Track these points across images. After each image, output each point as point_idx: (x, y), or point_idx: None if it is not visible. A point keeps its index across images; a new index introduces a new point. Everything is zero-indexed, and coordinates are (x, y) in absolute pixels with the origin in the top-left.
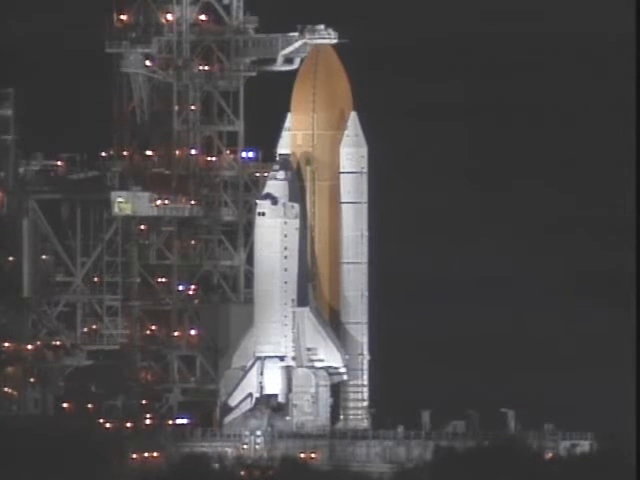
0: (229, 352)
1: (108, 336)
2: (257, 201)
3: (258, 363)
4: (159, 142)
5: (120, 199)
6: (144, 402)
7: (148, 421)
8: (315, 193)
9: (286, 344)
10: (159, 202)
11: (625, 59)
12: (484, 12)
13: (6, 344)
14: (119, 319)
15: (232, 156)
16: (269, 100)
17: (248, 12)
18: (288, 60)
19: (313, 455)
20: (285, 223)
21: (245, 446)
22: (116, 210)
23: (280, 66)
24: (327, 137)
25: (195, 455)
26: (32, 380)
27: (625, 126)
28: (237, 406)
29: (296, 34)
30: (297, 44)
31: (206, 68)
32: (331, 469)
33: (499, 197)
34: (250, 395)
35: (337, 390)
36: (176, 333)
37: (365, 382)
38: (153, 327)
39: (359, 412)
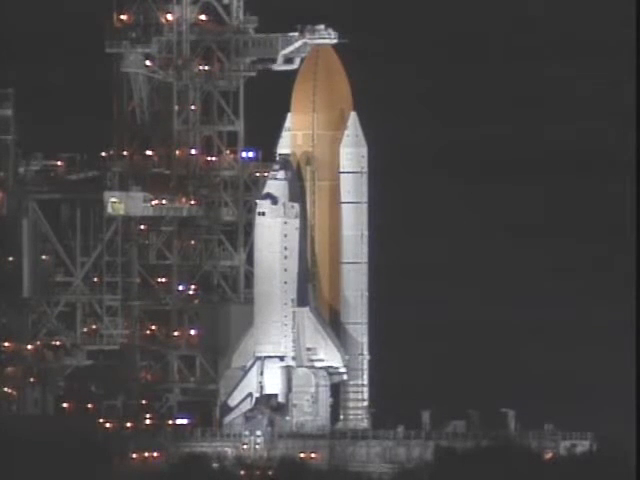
0: (229, 352)
1: (108, 336)
2: (257, 201)
3: (258, 363)
4: (159, 142)
5: (113, 199)
6: (144, 402)
7: (148, 421)
8: (315, 193)
9: (286, 344)
10: (155, 202)
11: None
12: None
13: (6, 344)
14: (119, 319)
15: (232, 156)
16: (269, 100)
17: (248, 12)
18: (288, 60)
19: (313, 455)
20: (285, 223)
21: (245, 446)
22: (109, 210)
23: (280, 66)
24: (327, 137)
25: (195, 455)
26: (32, 380)
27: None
28: (237, 406)
29: (296, 34)
30: (297, 44)
31: (206, 68)
32: (331, 469)
33: (499, 195)
34: (250, 395)
35: (337, 390)
36: (176, 333)
37: (365, 382)
38: (153, 327)
39: (359, 412)
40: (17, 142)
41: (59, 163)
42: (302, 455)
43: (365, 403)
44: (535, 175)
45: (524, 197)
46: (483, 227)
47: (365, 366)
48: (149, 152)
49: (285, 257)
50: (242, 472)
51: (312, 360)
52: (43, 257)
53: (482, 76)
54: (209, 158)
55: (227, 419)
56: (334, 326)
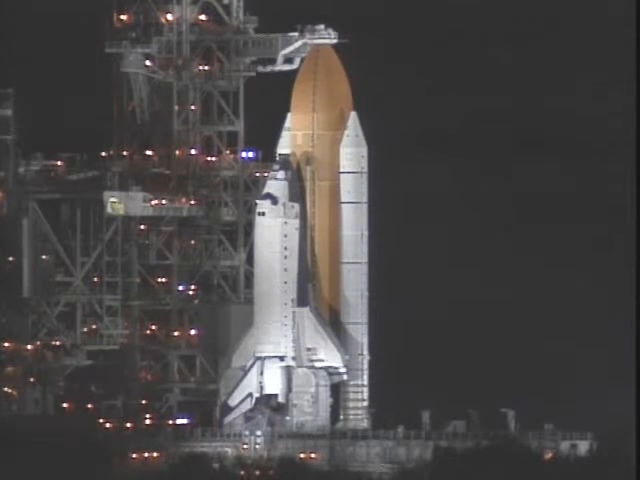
0: (229, 352)
1: (108, 336)
2: (257, 201)
3: (258, 363)
4: (159, 142)
5: (113, 199)
6: (144, 402)
7: (148, 421)
8: (315, 193)
9: (286, 344)
10: (155, 202)
11: None
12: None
13: (6, 344)
14: (119, 319)
15: (232, 156)
16: (269, 100)
17: (248, 12)
18: (288, 60)
19: (313, 455)
20: (285, 223)
21: (245, 446)
22: (109, 210)
23: (280, 66)
24: (327, 137)
25: (195, 455)
26: (32, 380)
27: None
28: (237, 406)
29: (296, 34)
30: (297, 44)
31: (206, 68)
32: (331, 469)
33: (499, 195)
34: (250, 395)
35: (337, 390)
36: (176, 333)
37: (365, 382)
38: (153, 327)
39: (359, 412)
40: (17, 142)
41: (59, 163)
42: (302, 455)
43: (365, 403)
44: (534, 171)
45: (524, 196)
46: (483, 227)
47: (365, 366)
48: (149, 152)
49: (285, 257)
50: (242, 472)
51: (312, 360)
52: (43, 257)
53: (482, 76)
54: (209, 158)
55: (227, 419)
56: (334, 326)
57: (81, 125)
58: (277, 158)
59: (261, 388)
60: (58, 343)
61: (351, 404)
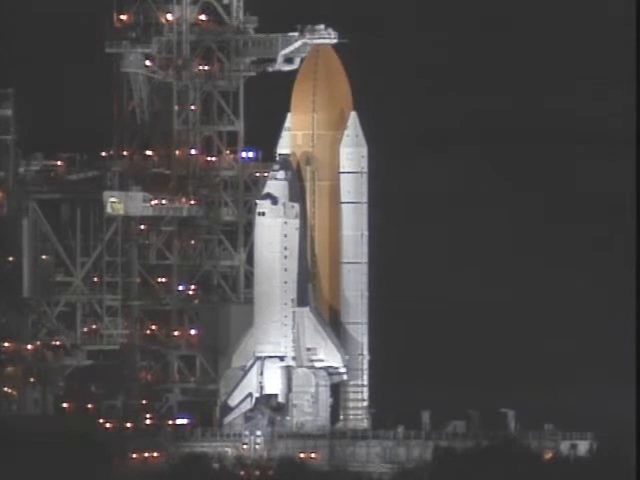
0: (229, 352)
1: (108, 336)
2: (257, 201)
3: (258, 363)
4: (159, 142)
5: (113, 199)
6: (144, 402)
7: (148, 421)
8: (315, 193)
9: (286, 344)
10: (155, 202)
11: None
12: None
13: (6, 344)
14: (119, 319)
15: (232, 156)
16: (269, 100)
17: (248, 12)
18: (288, 60)
19: (313, 455)
20: (285, 223)
21: (245, 446)
22: (109, 210)
23: (280, 66)
24: (327, 137)
25: (195, 455)
26: (32, 380)
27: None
28: (237, 406)
29: (296, 34)
30: (297, 44)
31: (206, 68)
32: (331, 469)
33: (500, 192)
34: (250, 395)
35: (337, 390)
36: (176, 333)
37: (365, 382)
38: (153, 327)
39: (359, 412)
40: (17, 142)
41: (59, 163)
42: (302, 455)
43: (365, 403)
44: (536, 172)
45: (524, 195)
46: (483, 227)
47: (365, 366)
48: (149, 152)
49: (285, 257)
50: (242, 472)
51: (312, 360)
52: (43, 257)
53: (482, 75)
54: (209, 158)
55: (227, 419)
56: (334, 326)
57: (81, 125)
58: (277, 158)
59: (261, 388)
60: (58, 343)
61: (351, 404)
